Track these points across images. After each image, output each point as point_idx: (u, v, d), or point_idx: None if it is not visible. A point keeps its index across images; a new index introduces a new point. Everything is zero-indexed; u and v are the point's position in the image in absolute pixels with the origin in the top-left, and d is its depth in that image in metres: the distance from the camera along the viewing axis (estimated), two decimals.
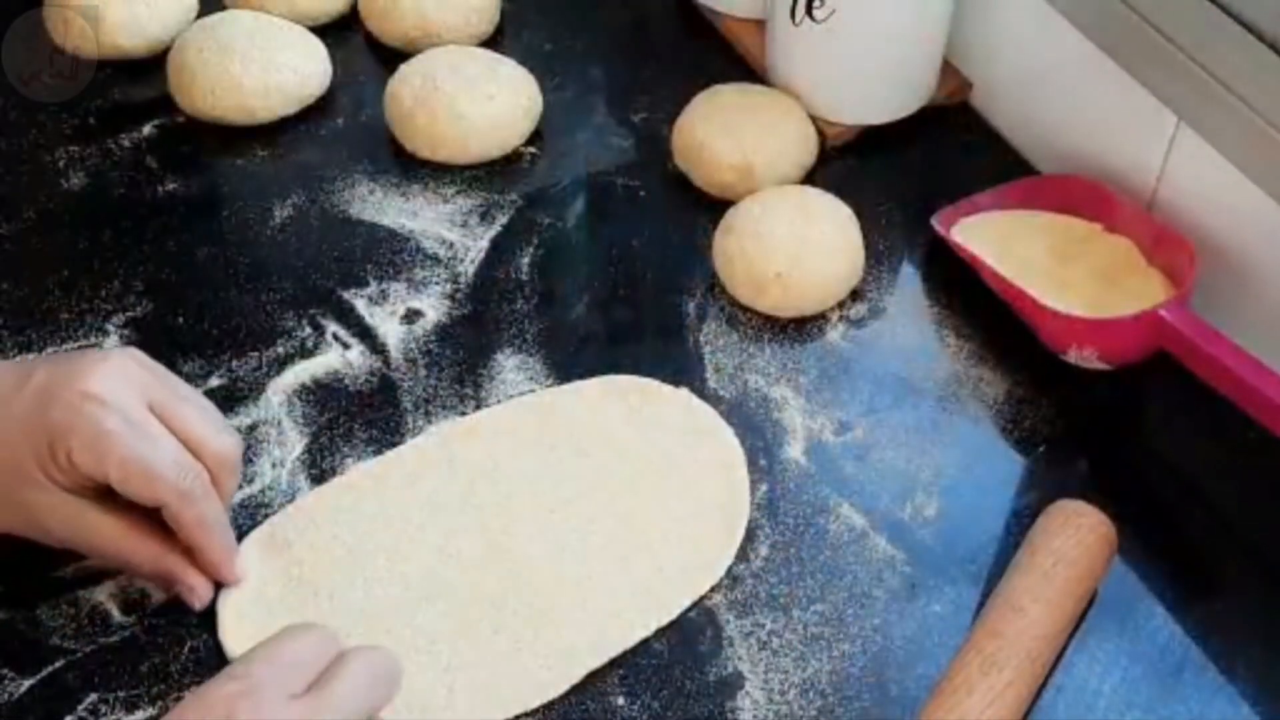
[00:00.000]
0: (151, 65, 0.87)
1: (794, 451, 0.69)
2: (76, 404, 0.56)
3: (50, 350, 0.71)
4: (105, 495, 0.58)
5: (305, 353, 0.73)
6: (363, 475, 0.66)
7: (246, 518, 0.65)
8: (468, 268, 0.77)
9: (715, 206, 0.79)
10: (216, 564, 0.60)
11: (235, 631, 0.60)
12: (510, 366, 0.72)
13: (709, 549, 0.64)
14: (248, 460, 0.67)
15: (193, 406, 0.60)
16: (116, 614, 0.61)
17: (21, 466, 0.56)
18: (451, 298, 0.76)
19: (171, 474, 0.57)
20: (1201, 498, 0.68)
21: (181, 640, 0.60)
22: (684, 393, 0.70)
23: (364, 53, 0.91)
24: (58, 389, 0.56)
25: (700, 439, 0.68)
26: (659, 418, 0.68)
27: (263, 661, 0.50)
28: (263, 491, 0.66)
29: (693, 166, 0.82)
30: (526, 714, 0.58)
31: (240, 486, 0.65)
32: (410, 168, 0.83)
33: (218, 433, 0.60)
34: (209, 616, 0.61)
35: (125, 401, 0.57)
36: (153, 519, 0.59)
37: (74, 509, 0.57)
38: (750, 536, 0.65)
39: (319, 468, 0.67)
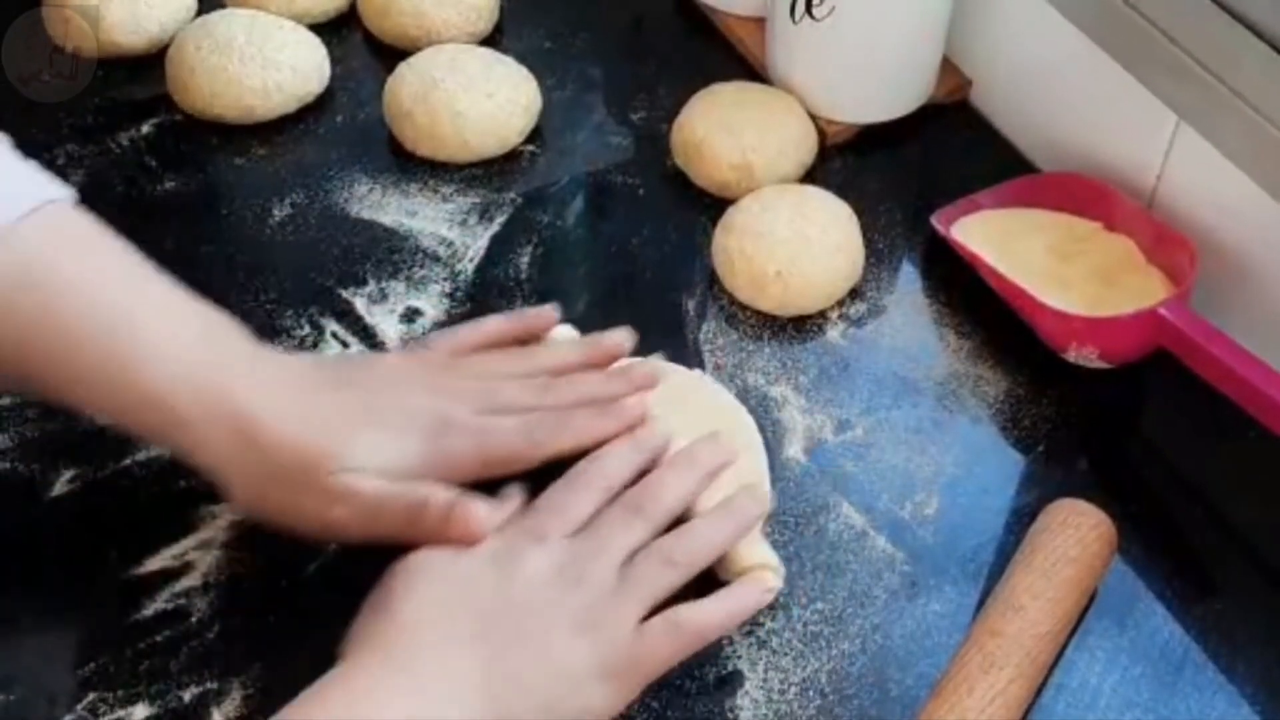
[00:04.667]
0: (150, 63, 0.87)
1: (794, 450, 0.69)
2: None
3: None
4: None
5: (304, 351, 0.72)
6: None
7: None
8: (467, 266, 0.77)
9: (715, 205, 0.79)
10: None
11: None
12: None
13: None
14: None
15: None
16: (116, 614, 0.61)
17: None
18: (451, 296, 0.76)
19: (522, 443, 0.61)
20: (1201, 497, 0.68)
21: (181, 640, 0.60)
22: (697, 373, 0.70)
23: (363, 51, 0.91)
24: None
25: (718, 417, 0.67)
26: (676, 398, 0.68)
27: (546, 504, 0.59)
28: None
29: (692, 165, 0.82)
30: None
31: None
32: (409, 166, 0.83)
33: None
34: (207, 618, 0.61)
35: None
36: None
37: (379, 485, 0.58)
38: None
39: None
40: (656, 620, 0.56)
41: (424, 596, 0.55)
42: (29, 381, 0.59)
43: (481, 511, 0.57)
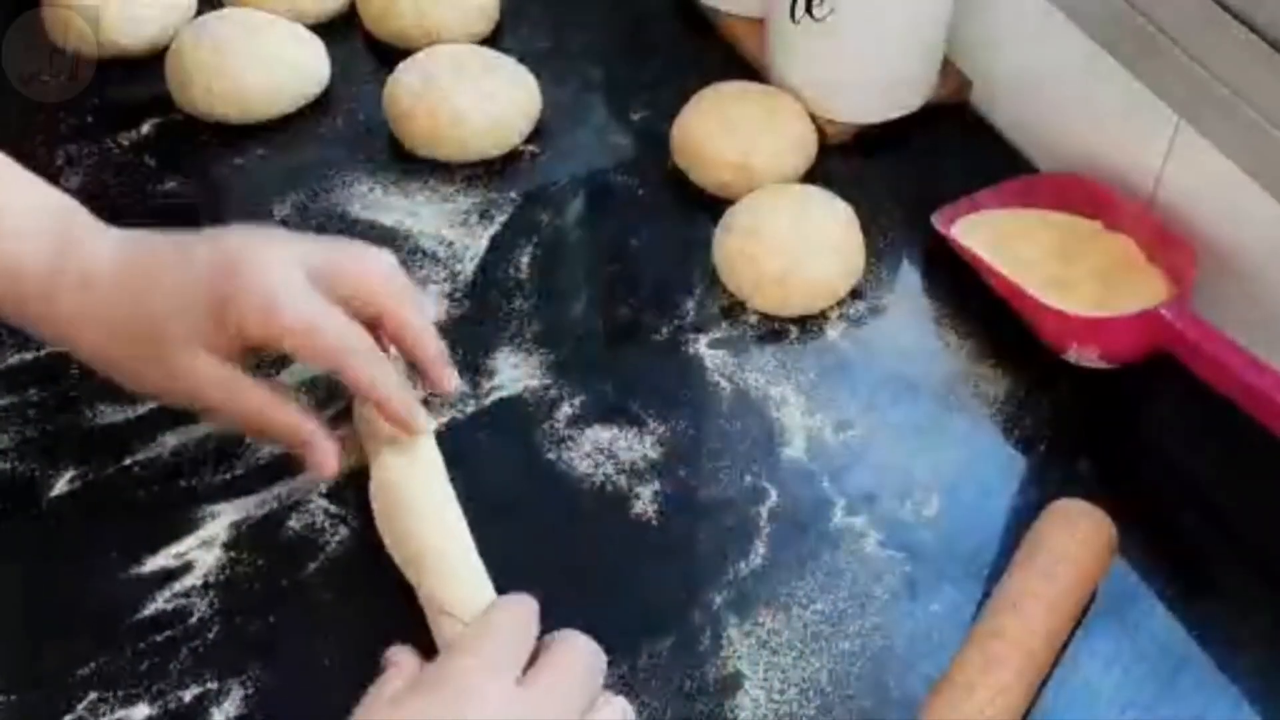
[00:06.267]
0: (150, 64, 0.87)
1: (794, 450, 0.69)
2: (246, 275, 0.59)
3: (50, 350, 0.71)
4: (254, 369, 0.62)
5: None
6: None
7: (248, 510, 0.65)
8: (467, 266, 0.77)
9: (715, 205, 0.79)
10: (398, 418, 0.62)
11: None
12: (509, 365, 0.72)
13: None
14: (248, 453, 0.67)
15: (351, 259, 0.63)
16: (116, 614, 0.61)
17: (184, 334, 0.59)
18: (450, 296, 0.76)
19: (341, 335, 0.60)
20: (1201, 498, 0.68)
21: (181, 640, 0.60)
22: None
23: (363, 51, 0.91)
24: (227, 262, 0.59)
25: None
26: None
27: (489, 639, 0.52)
28: (265, 486, 0.66)
29: (692, 165, 0.82)
30: None
31: (238, 481, 0.66)
32: (409, 166, 0.83)
33: (381, 275, 0.63)
34: (207, 618, 0.61)
35: (288, 271, 0.60)
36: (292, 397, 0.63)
37: (228, 376, 0.60)
38: (750, 536, 0.65)
39: None
40: None
41: None
42: None
43: (332, 469, 0.61)
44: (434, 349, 0.64)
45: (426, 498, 0.62)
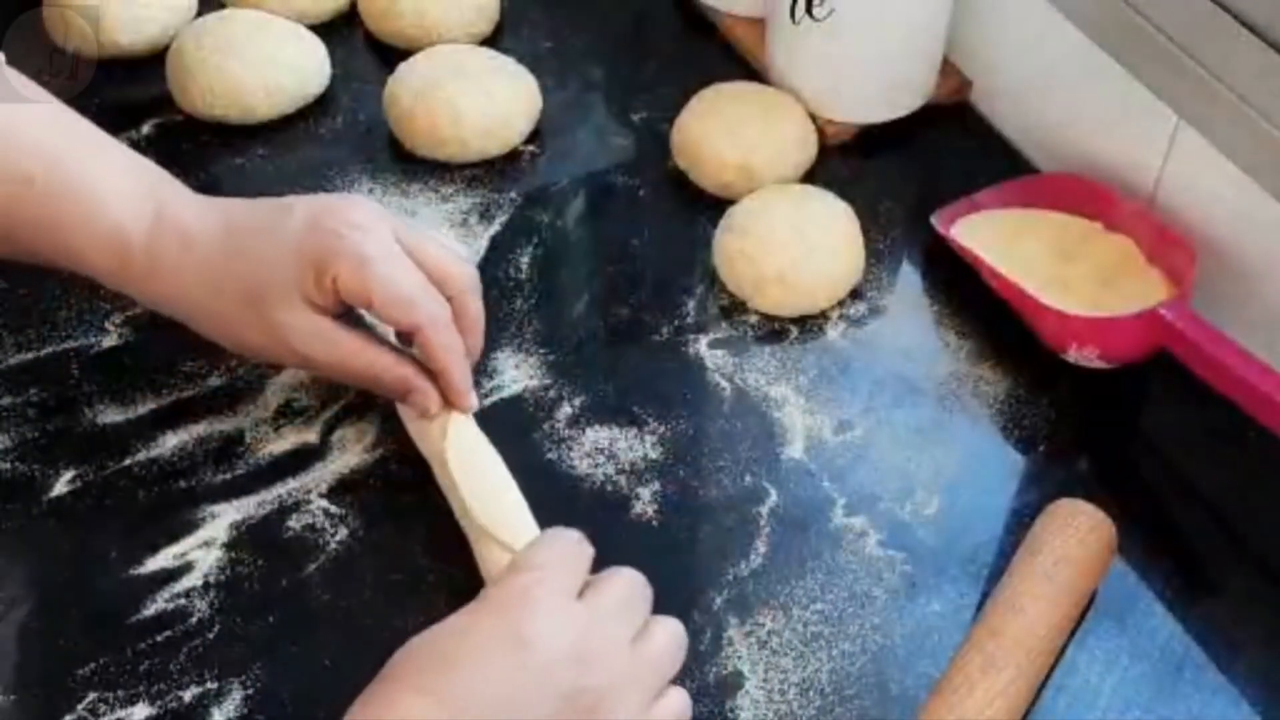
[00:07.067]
0: (150, 63, 0.87)
1: (794, 451, 0.69)
2: (343, 233, 0.61)
3: (50, 350, 0.71)
4: (345, 320, 0.64)
5: None
6: None
7: (248, 510, 0.65)
8: None
9: (715, 205, 0.79)
10: (457, 389, 0.64)
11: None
12: (509, 365, 0.72)
13: None
14: (248, 453, 0.67)
15: (433, 242, 0.65)
16: (116, 614, 0.61)
17: (282, 289, 0.61)
18: None
19: (425, 298, 0.62)
20: (1201, 498, 0.68)
21: (181, 640, 0.60)
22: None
23: (363, 51, 0.91)
24: (324, 219, 0.62)
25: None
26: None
27: (546, 561, 0.54)
28: (265, 486, 0.66)
29: (692, 165, 0.82)
30: None
31: (238, 480, 0.66)
32: (410, 166, 0.83)
33: (458, 262, 0.65)
34: (207, 618, 0.61)
35: (382, 233, 0.63)
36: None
37: (324, 326, 0.62)
38: (750, 536, 0.65)
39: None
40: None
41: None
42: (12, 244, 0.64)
43: (437, 403, 0.64)
44: (476, 341, 0.67)
45: (487, 457, 0.64)
